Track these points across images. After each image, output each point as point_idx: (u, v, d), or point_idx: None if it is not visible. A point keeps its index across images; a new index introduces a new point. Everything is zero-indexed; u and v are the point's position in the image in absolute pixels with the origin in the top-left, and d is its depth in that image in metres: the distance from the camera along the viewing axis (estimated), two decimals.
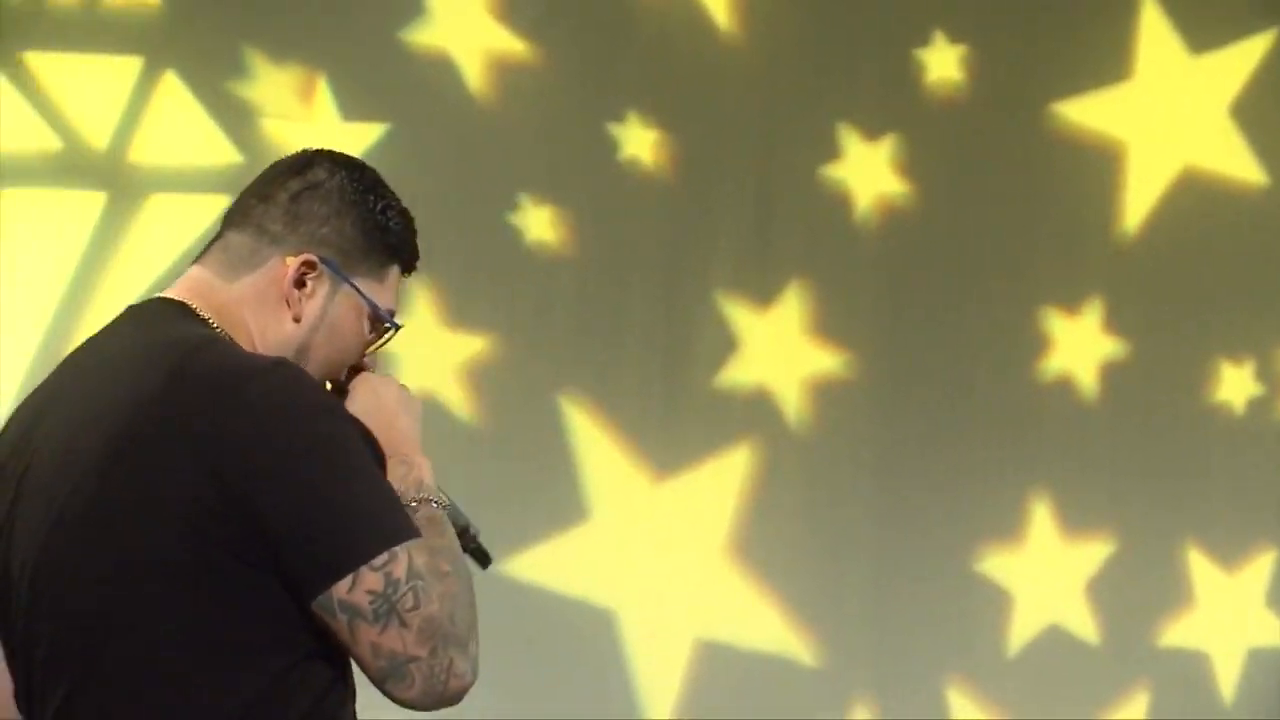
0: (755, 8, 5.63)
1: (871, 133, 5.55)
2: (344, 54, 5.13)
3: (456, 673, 1.73)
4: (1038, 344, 5.65)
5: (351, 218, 2.00)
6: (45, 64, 4.72)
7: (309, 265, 1.92)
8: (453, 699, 1.76)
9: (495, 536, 4.81)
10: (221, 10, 5.02)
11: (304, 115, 5.03)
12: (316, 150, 2.05)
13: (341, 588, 1.64)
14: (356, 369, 2.05)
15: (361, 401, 1.96)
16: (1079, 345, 5.66)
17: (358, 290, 1.97)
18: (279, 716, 1.80)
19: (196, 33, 5.00)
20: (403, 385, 2.09)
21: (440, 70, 5.31)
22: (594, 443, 5.32)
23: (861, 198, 5.49)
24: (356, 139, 5.13)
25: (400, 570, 1.68)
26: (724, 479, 5.57)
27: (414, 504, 1.85)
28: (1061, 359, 5.67)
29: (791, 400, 5.42)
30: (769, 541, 5.56)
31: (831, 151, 5.41)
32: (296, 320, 1.94)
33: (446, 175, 5.32)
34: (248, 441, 1.70)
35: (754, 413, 5.53)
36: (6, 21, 4.77)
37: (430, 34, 5.29)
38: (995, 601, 5.47)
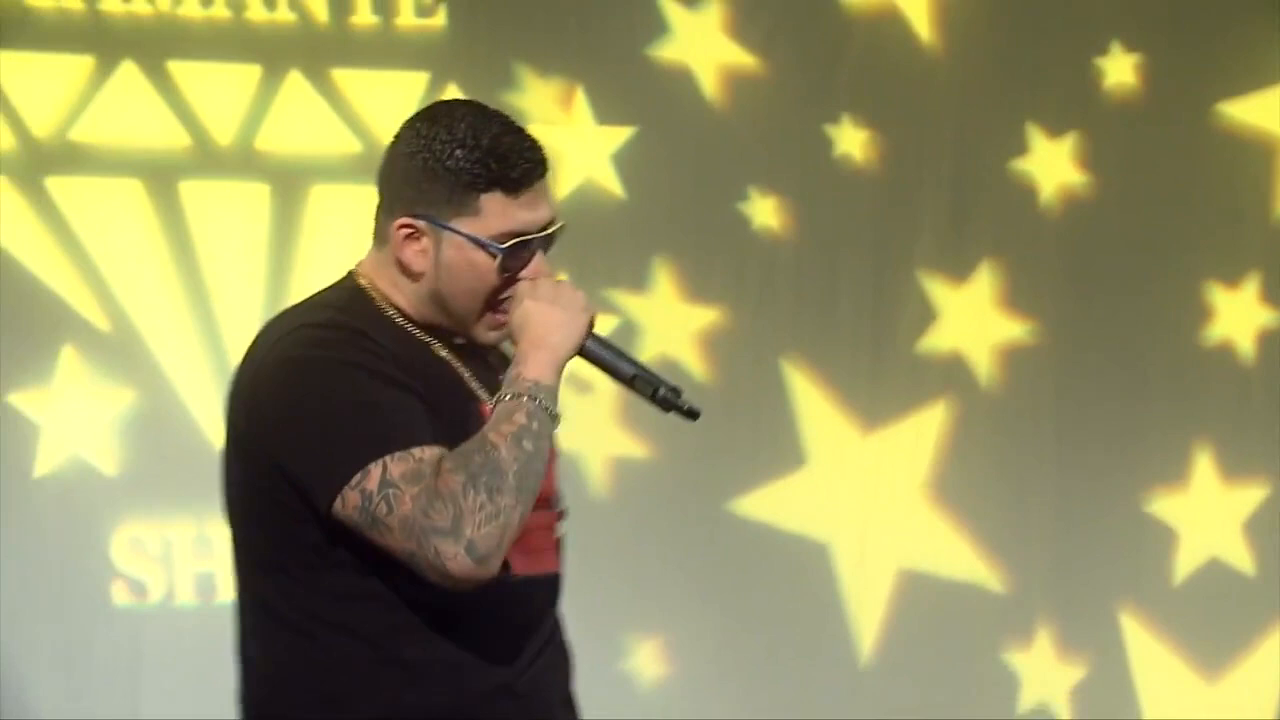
0: (953, 23, 6.09)
1: (1055, 131, 6.07)
2: (598, 68, 5.65)
3: (447, 556, 1.84)
4: (1202, 314, 6.16)
5: (423, 170, 2.03)
6: (347, 79, 5.24)
7: (406, 226, 2.03)
8: (465, 577, 1.89)
9: (725, 481, 5.43)
10: (496, 31, 5.52)
11: (564, 120, 5.56)
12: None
13: (339, 509, 1.82)
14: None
15: (516, 320, 2.03)
16: (1238, 315, 6.12)
17: (456, 231, 2.02)
18: (359, 610, 2.04)
19: (475, 51, 5.52)
20: (562, 302, 2.09)
21: (681, 80, 5.79)
22: (810, 400, 5.86)
23: (1045, 188, 6.01)
24: (608, 141, 5.73)
25: (372, 483, 1.82)
26: (923, 431, 6.16)
27: (508, 397, 1.95)
28: (1223, 327, 6.15)
29: (983, 364, 6.00)
30: (962, 485, 6.09)
31: (1020, 147, 5.94)
32: (417, 277, 2.05)
33: (686, 171, 5.86)
34: (261, 425, 1.95)
35: (950, 374, 6.10)
36: (319, 43, 5.30)
37: (672, 50, 5.78)
38: (1162, 538, 6.01)
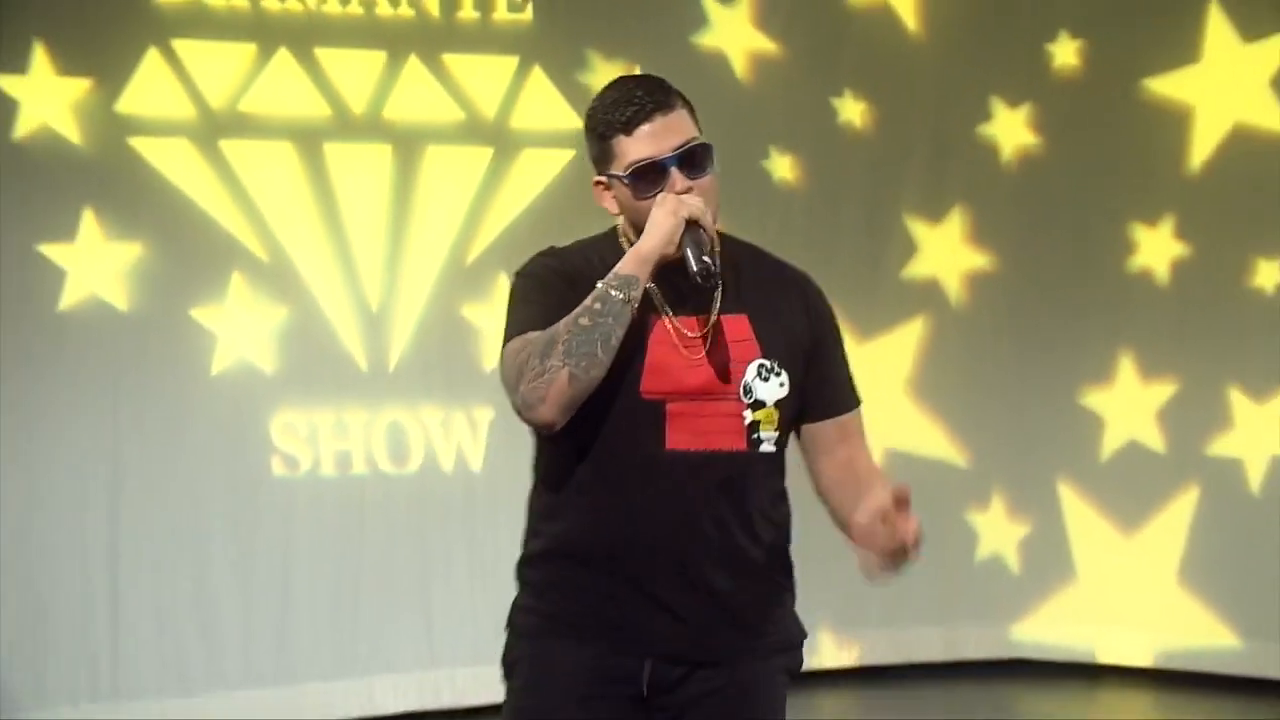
0: (933, 16, 7.20)
1: (1013, 102, 7.25)
2: (653, 52, 6.40)
3: (512, 406, 2.27)
4: (1127, 247, 7.08)
5: (587, 139, 2.39)
6: (454, 61, 6.20)
7: (595, 184, 2.38)
8: (525, 420, 2.27)
9: None
10: (573, 23, 6.48)
11: None
12: None
13: None
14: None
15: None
16: (1156, 248, 7.03)
17: (609, 175, 2.32)
18: (547, 462, 2.43)
19: (555, 39, 6.50)
20: (684, 216, 2.28)
21: (717, 62, 6.78)
22: None
23: (1005, 148, 7.23)
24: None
25: (504, 356, 2.27)
26: (904, 342, 7.25)
27: (610, 289, 2.24)
28: (1143, 257, 7.08)
29: (953, 287, 7.15)
30: (936, 383, 7.18)
31: (985, 115, 7.10)
32: (618, 217, 2.38)
33: (719, 135, 6.76)
34: None
35: (927, 296, 7.24)
36: (432, 33, 6.25)
37: (711, 38, 6.80)
38: (1092, 425, 7.07)
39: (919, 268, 7.22)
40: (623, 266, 2.23)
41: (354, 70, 6.39)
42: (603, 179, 2.35)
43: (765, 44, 6.88)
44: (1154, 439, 7.21)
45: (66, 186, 5.95)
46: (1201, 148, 7.07)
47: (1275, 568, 7.05)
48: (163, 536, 6.23)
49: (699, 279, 2.22)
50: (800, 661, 2.61)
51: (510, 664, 2.51)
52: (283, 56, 6.17)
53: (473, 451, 6.61)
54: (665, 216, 2.22)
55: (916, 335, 7.29)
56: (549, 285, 2.36)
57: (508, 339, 2.30)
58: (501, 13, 6.43)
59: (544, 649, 2.50)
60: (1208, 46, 7.07)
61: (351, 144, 6.40)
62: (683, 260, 2.22)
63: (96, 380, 6.09)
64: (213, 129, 6.15)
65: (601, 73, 6.47)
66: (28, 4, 5.87)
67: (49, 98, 5.84)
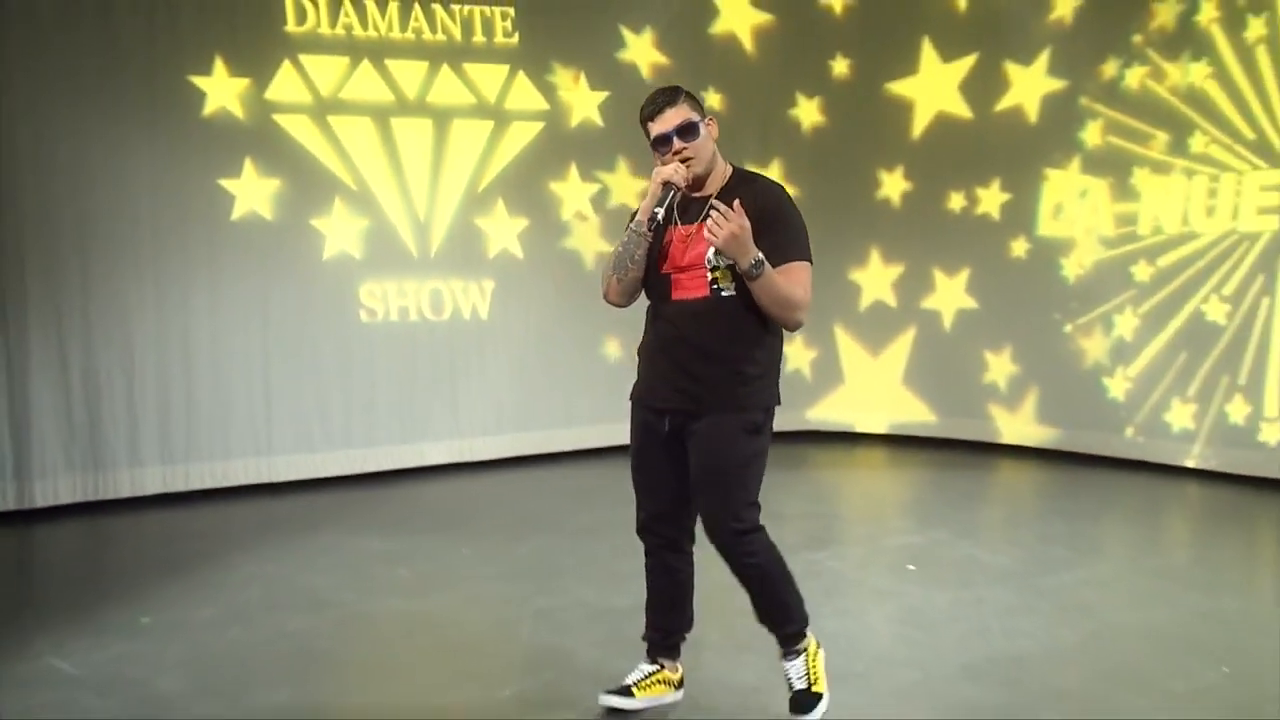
0: (762, 40, 8.86)
1: (809, 95, 8.87)
2: (589, 64, 8.27)
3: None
4: (876, 184, 8.91)
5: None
6: (471, 68, 7.68)
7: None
8: (610, 303, 3.73)
9: None
10: (542, 45, 7.92)
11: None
12: None
13: None
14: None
15: None
16: (893, 185, 8.94)
17: (651, 145, 3.54)
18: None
19: (532, 55, 7.93)
20: (661, 180, 3.50)
21: (631, 70, 8.57)
22: None
23: (804, 123, 8.87)
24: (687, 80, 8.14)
25: None
26: None
27: (630, 228, 3.54)
28: (885, 190, 8.98)
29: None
30: None
31: (793, 103, 8.80)
32: None
33: (742, 94, 8.76)
34: None
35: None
36: (457, 50, 7.59)
37: (626, 54, 8.52)
38: (854, 290, 8.83)
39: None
40: (639, 215, 3.53)
41: (409, 73, 7.80)
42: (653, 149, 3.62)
43: (660, 58, 8.60)
44: (890, 298, 9.15)
45: (235, 144, 7.28)
46: (919, 125, 8.97)
47: (958, 375, 8.88)
48: (295, 356, 7.59)
49: (656, 220, 3.47)
50: (756, 423, 3.64)
51: (631, 419, 3.82)
52: (365, 65, 7.61)
53: (482, 307, 8.23)
54: (653, 182, 3.52)
55: None
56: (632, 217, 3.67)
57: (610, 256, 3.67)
58: (499, 38, 8.03)
59: (633, 409, 3.84)
60: (922, 65, 8.90)
61: (407, 119, 7.82)
62: (656, 216, 3.48)
63: (254, 262, 7.43)
64: (322, 109, 7.51)
65: (560, 75, 8.32)
66: (213, 33, 7.10)
67: (224, 90, 7.20)
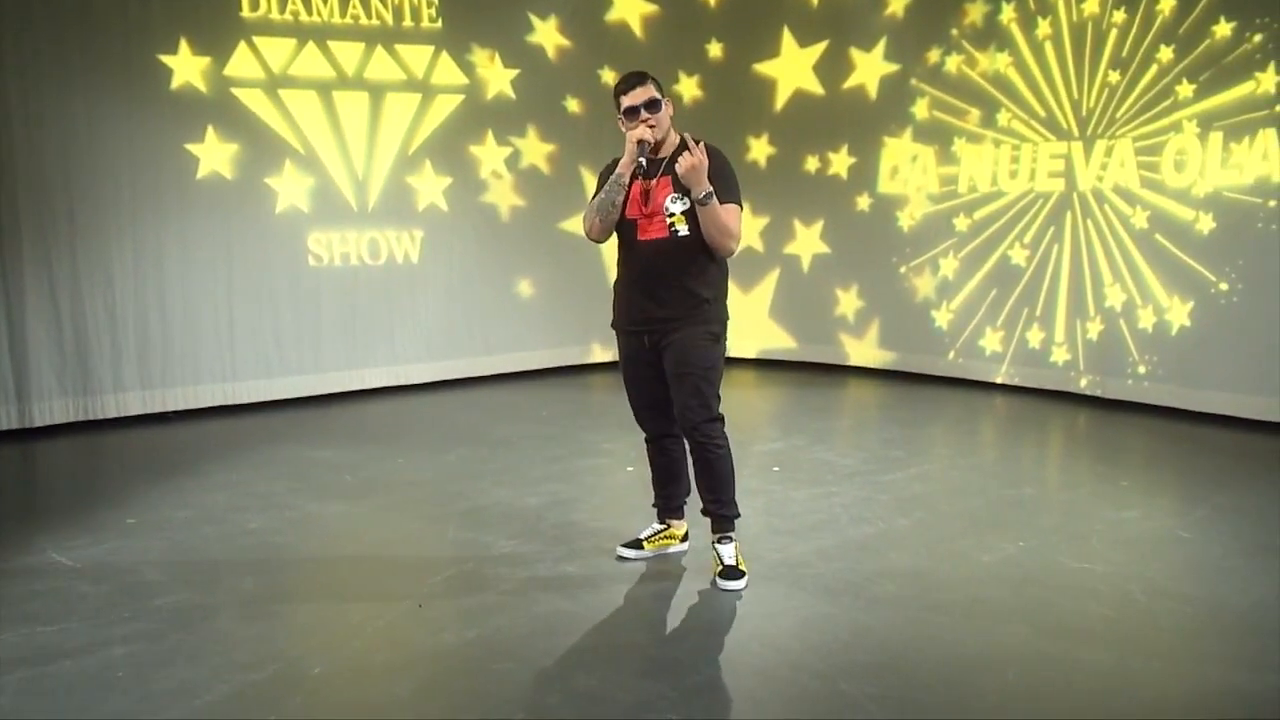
0: (650, 28, 9.14)
1: (689, 74, 9.18)
2: (502, 44, 8.51)
3: (584, 229, 4.11)
4: (746, 149, 9.24)
5: (614, 98, 3.96)
6: (402, 49, 7.90)
7: (619, 120, 4.00)
8: (591, 239, 4.15)
9: None
10: (461, 29, 8.21)
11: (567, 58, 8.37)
12: None
13: None
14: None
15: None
16: (760, 150, 9.38)
17: (620, 116, 3.93)
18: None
19: (453, 38, 8.19)
20: (635, 140, 3.89)
21: (537, 50, 8.84)
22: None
23: (686, 97, 9.17)
24: (586, 60, 8.91)
25: None
26: None
27: (612, 179, 3.96)
28: (753, 154, 9.32)
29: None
30: None
31: (677, 80, 9.12)
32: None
33: (542, 91, 8.89)
34: None
35: None
36: (390, 33, 7.81)
37: (533, 37, 8.82)
38: None
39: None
40: (619, 169, 3.93)
41: (348, 53, 8.08)
42: (620, 117, 4.01)
43: (563, 41, 8.97)
44: (758, 245, 9.59)
45: (198, 114, 7.53)
46: (780, 99, 9.42)
47: (814, 308, 9.32)
48: (254, 295, 7.87)
49: (640, 167, 3.87)
50: (714, 333, 4.10)
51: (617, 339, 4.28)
52: (310, 46, 7.89)
53: (413, 253, 8.56)
54: (629, 141, 3.90)
55: None
56: (602, 178, 4.04)
57: (596, 190, 4.03)
58: (425, 22, 8.33)
59: (618, 335, 4.29)
60: (783, 49, 9.33)
61: (347, 92, 8.14)
62: (639, 167, 3.88)
63: (217, 216, 7.71)
64: (274, 84, 7.78)
65: (478, 54, 8.59)
66: (179, 17, 7.33)
67: (188, 67, 7.45)
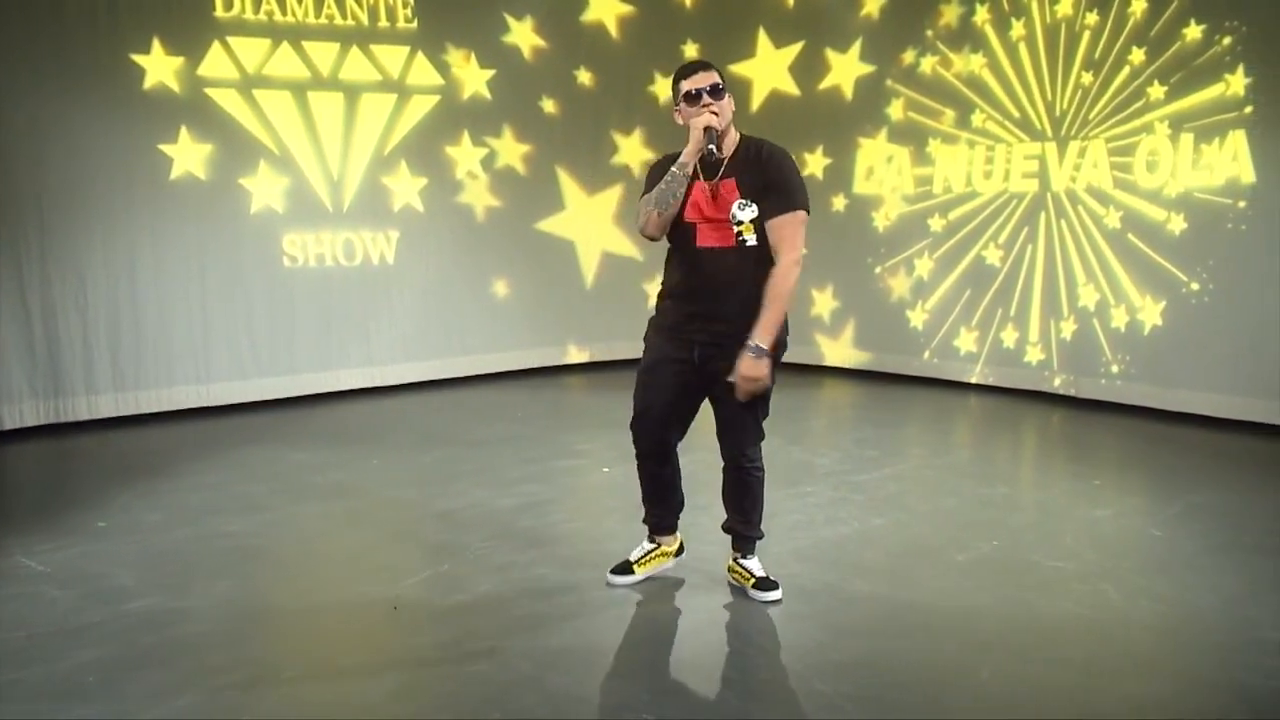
0: (626, 29, 9.19)
1: (665, 74, 9.02)
2: (476, 44, 8.47)
3: (639, 230, 3.70)
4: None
5: (672, 86, 3.68)
6: (377, 49, 7.84)
7: (675, 110, 3.69)
8: (645, 235, 3.71)
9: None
10: (436, 29, 8.15)
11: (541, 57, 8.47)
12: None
13: None
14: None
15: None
16: None
17: (681, 100, 3.63)
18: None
19: (429, 38, 8.17)
20: (702, 126, 3.57)
21: (513, 51, 8.88)
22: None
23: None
24: (573, 64, 9.08)
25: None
26: (610, 197, 9.44)
27: (674, 169, 3.58)
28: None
29: (635, 169, 9.29)
30: (626, 213, 9.02)
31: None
32: (683, 124, 3.61)
33: (521, 90, 8.89)
34: None
35: (621, 174, 9.38)
36: (365, 33, 7.71)
37: (509, 38, 8.86)
38: None
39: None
40: (683, 158, 3.59)
41: (323, 53, 8.05)
42: (678, 107, 3.71)
43: (539, 41, 9.01)
44: None
45: (172, 114, 7.45)
46: (756, 100, 9.53)
47: (790, 308, 7.97)
48: (228, 297, 7.82)
49: (710, 154, 3.53)
50: (780, 353, 3.77)
51: (646, 341, 3.95)
52: (285, 46, 7.85)
53: (388, 253, 8.54)
54: (694, 129, 3.57)
55: (617, 193, 9.56)
56: (654, 174, 3.74)
57: (645, 189, 3.73)
58: (401, 23, 8.34)
59: (652, 335, 3.93)
60: (759, 50, 9.41)
61: (322, 92, 8.11)
62: (709, 153, 3.54)
63: (190, 216, 7.63)
64: (248, 84, 7.75)
65: (453, 55, 8.53)
66: (150, 17, 7.24)
67: (161, 67, 7.39)
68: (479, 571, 4.40)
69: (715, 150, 3.55)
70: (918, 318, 8.91)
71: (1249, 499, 5.46)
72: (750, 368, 3.58)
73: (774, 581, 4.03)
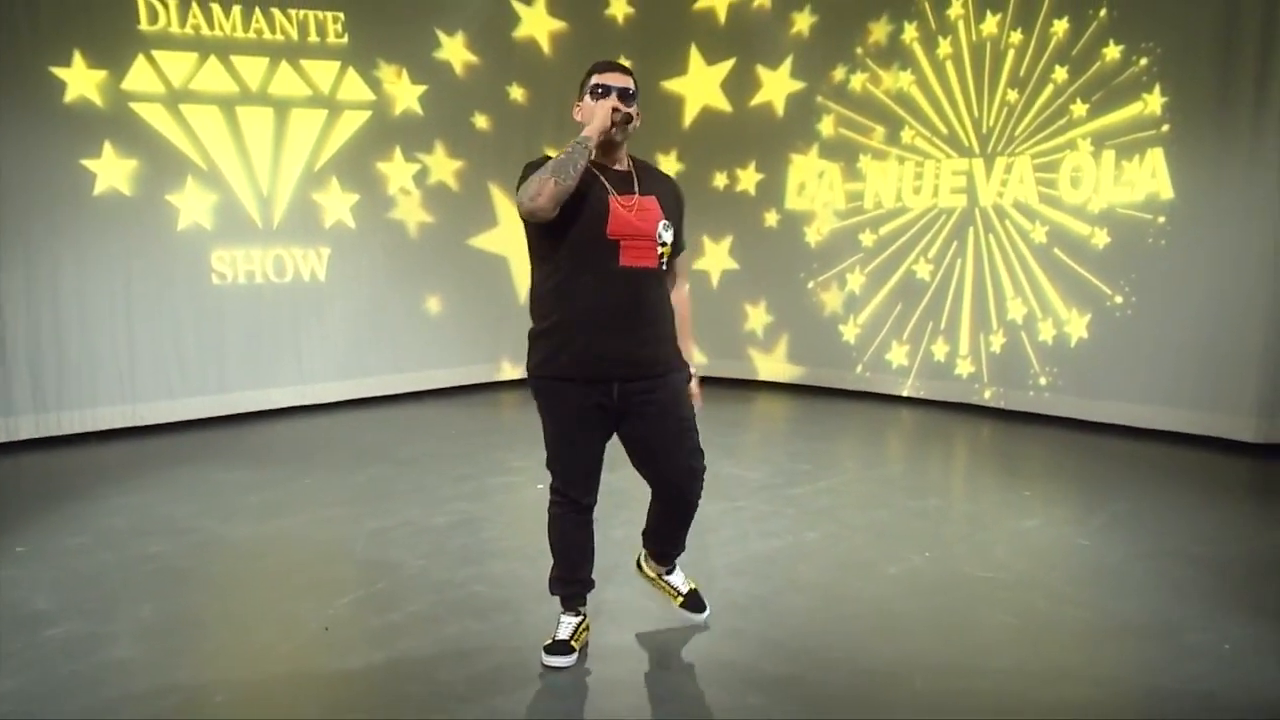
0: (559, 46, 9.20)
1: None
2: (407, 59, 8.47)
3: (521, 211, 3.16)
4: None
5: (583, 79, 3.37)
6: (308, 63, 7.82)
7: (575, 106, 3.41)
8: (533, 210, 3.14)
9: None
10: (366, 45, 8.10)
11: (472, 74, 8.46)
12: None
13: None
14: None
15: (586, 115, 3.31)
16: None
17: (588, 90, 3.34)
18: (540, 268, 3.34)
19: (359, 53, 8.07)
20: (607, 108, 3.29)
21: (445, 67, 8.78)
22: None
23: None
24: (494, 76, 8.56)
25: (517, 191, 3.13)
26: None
27: (569, 146, 3.20)
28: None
29: None
30: None
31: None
32: (580, 120, 3.30)
33: (449, 105, 8.81)
34: None
35: None
36: (294, 47, 7.91)
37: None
38: None
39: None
40: (586, 132, 3.28)
41: (252, 68, 7.97)
42: (578, 104, 3.41)
43: (471, 57, 9.02)
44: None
45: (94, 128, 7.33)
46: (689, 116, 9.60)
47: (723, 324, 9.28)
48: (155, 314, 7.69)
49: (613, 130, 3.27)
50: (689, 376, 3.61)
51: (537, 394, 3.49)
52: (212, 60, 7.77)
53: (320, 270, 8.48)
54: (601, 108, 3.29)
55: None
56: (529, 171, 3.34)
57: (522, 180, 3.28)
58: (331, 38, 8.29)
59: (551, 386, 3.44)
60: (690, 66, 9.51)
61: (251, 108, 8.01)
62: (611, 130, 3.27)
63: (115, 233, 7.51)
64: (175, 98, 7.64)
65: (385, 70, 8.54)
66: (71, 29, 7.19)
67: (83, 80, 7.26)
68: (412, 590, 4.37)
69: (617, 133, 3.34)
70: (850, 332, 9.00)
71: (1171, 508, 5.61)
72: (699, 388, 3.64)
73: (702, 600, 3.96)
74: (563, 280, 3.34)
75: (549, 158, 3.29)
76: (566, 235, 3.26)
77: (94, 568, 4.74)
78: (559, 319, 3.35)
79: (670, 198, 3.47)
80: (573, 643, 3.69)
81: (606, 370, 3.36)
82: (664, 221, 3.39)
